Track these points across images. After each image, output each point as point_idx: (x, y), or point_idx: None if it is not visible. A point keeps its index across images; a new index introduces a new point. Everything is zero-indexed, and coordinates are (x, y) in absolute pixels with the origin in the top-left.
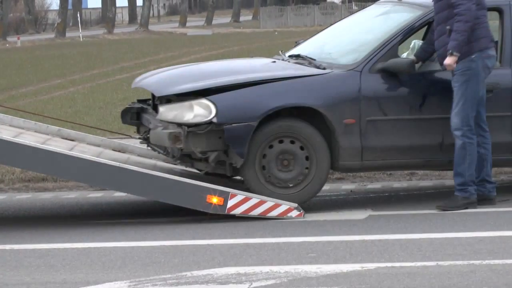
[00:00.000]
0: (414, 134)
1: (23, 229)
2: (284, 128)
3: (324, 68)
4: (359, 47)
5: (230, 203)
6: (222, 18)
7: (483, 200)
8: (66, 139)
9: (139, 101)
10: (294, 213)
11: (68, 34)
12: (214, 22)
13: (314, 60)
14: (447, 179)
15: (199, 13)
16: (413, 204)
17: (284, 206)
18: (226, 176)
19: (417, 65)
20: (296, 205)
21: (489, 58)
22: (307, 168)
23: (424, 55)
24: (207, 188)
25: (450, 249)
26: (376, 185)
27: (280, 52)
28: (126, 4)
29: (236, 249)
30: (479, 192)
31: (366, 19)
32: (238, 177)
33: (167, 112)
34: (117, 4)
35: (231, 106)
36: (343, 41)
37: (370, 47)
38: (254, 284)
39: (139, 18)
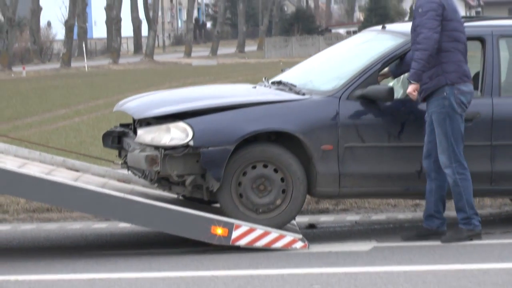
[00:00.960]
0: (392, 161)
1: (27, 260)
2: (260, 152)
3: (303, 94)
4: (339, 74)
5: (235, 234)
6: (227, 49)
7: (432, 235)
8: (70, 169)
9: (122, 125)
10: (299, 244)
11: (73, 64)
12: (219, 52)
13: (295, 86)
14: (451, 210)
15: (204, 43)
16: None
17: (289, 237)
18: (205, 201)
19: (393, 83)
20: (301, 236)
21: (462, 94)
22: (283, 192)
23: (398, 71)
24: (212, 219)
25: (455, 281)
26: (381, 216)
27: (263, 79)
28: (131, 34)
29: (240, 280)
30: (427, 227)
31: (350, 46)
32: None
33: (145, 134)
34: (122, 34)
35: (208, 130)
36: (326, 68)
37: (349, 74)
38: None
39: (144, 48)
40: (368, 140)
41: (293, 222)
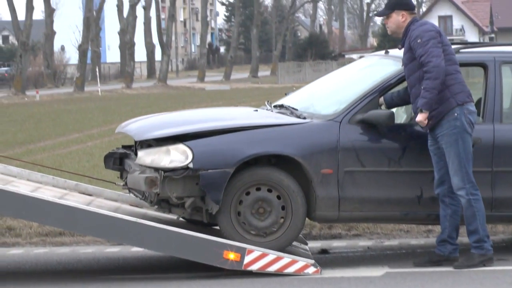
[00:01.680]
0: (392, 186)
1: (40, 283)
2: (260, 176)
3: (304, 118)
4: (341, 99)
5: (247, 259)
6: (240, 73)
7: (444, 261)
8: (83, 193)
9: (124, 146)
10: (311, 269)
11: (86, 88)
12: (232, 77)
13: (296, 110)
14: (463, 236)
15: (217, 68)
16: None
17: (301, 262)
18: (205, 224)
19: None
20: (313, 261)
21: (471, 114)
22: (282, 217)
23: (392, 103)
24: (224, 244)
25: None
26: (393, 242)
27: (266, 102)
28: (144, 59)
29: None
30: (439, 252)
31: (353, 71)
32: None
33: (145, 156)
34: (136, 59)
35: (208, 152)
36: (327, 93)
37: (351, 98)
38: None
39: (157, 72)
40: (368, 164)
41: (306, 247)
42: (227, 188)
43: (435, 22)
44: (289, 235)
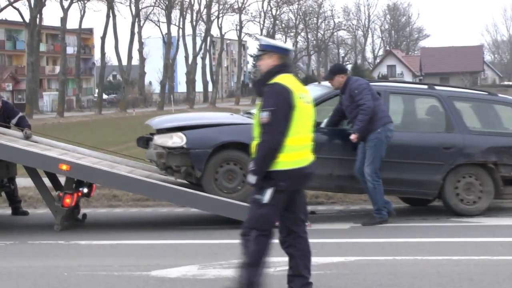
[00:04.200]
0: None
1: (133, 230)
2: (230, 155)
3: None
4: None
5: None
6: None
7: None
8: (161, 174)
9: (151, 133)
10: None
11: (165, 108)
12: (256, 101)
13: None
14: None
15: (247, 96)
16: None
17: None
18: (194, 183)
19: None
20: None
21: (389, 131)
22: (243, 181)
23: (335, 122)
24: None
25: (403, 248)
26: (356, 207)
27: (241, 112)
28: (201, 90)
29: None
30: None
31: None
32: None
33: (158, 139)
34: (196, 90)
35: (196, 138)
36: None
37: None
38: (278, 269)
39: (209, 98)
40: None
41: None
42: (208, 162)
43: (385, 69)
44: (246, 193)
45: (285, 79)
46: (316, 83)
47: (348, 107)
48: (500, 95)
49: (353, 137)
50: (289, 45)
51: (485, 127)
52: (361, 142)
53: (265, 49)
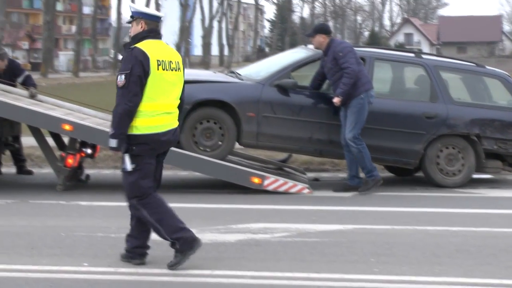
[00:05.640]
0: (292, 129)
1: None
2: (209, 113)
3: (242, 80)
4: (268, 70)
5: (266, 182)
6: None
7: (353, 189)
8: None
9: None
10: (306, 190)
11: None
12: None
13: (240, 75)
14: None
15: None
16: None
17: (300, 185)
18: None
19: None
20: (308, 185)
21: (371, 97)
22: (221, 141)
23: (315, 86)
24: (252, 172)
25: (400, 218)
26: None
27: (225, 70)
28: (217, 53)
29: (266, 212)
30: (351, 184)
31: (284, 55)
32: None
33: None
34: (212, 53)
35: None
36: (263, 67)
37: (272, 71)
38: (276, 235)
39: (225, 62)
40: (278, 113)
41: (304, 176)
42: (187, 119)
43: (402, 38)
44: (224, 152)
45: (147, 45)
46: (303, 45)
47: (331, 70)
48: (488, 67)
49: (336, 100)
50: (158, 12)
51: (470, 99)
52: (342, 108)
53: (133, 16)
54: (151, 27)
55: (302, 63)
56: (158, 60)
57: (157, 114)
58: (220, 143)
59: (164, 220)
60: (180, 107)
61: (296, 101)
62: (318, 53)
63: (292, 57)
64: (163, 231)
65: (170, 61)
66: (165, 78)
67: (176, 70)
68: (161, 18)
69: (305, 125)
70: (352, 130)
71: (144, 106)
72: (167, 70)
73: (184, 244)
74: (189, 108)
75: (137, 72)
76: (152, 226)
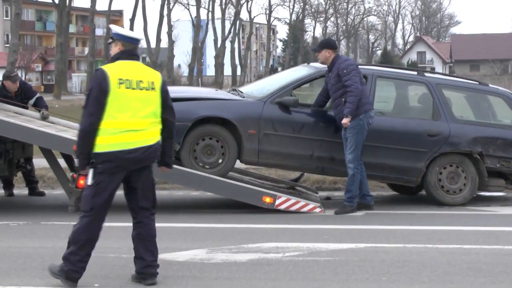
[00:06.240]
0: (293, 146)
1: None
2: (210, 130)
3: (243, 97)
4: (269, 88)
5: (278, 201)
6: None
7: (365, 207)
8: None
9: None
10: (318, 210)
11: None
12: None
13: (242, 92)
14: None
15: None
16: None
17: (312, 205)
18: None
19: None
20: (319, 204)
21: (371, 118)
22: (222, 159)
23: (320, 103)
24: (264, 192)
25: (404, 235)
26: (373, 193)
27: (228, 89)
28: (230, 74)
29: (277, 231)
30: (362, 202)
31: (286, 73)
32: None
33: None
34: (224, 74)
35: (176, 111)
36: (265, 84)
37: (274, 88)
38: (286, 254)
39: (238, 83)
40: (279, 130)
41: (316, 195)
42: (187, 135)
43: (415, 56)
44: (224, 169)
45: (114, 65)
46: (305, 63)
47: (333, 86)
48: (491, 85)
49: (345, 121)
50: (136, 34)
51: (473, 117)
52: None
53: (112, 37)
54: (128, 48)
55: (303, 81)
56: (120, 79)
57: (119, 132)
58: (220, 160)
59: (86, 245)
60: (168, 125)
61: (297, 118)
62: (320, 71)
63: (293, 75)
64: (74, 250)
65: (140, 81)
66: (129, 96)
67: (147, 90)
68: (139, 41)
69: (306, 142)
70: (352, 152)
71: (105, 124)
72: (133, 88)
73: (69, 273)
74: (190, 125)
75: (94, 92)
76: (74, 238)
